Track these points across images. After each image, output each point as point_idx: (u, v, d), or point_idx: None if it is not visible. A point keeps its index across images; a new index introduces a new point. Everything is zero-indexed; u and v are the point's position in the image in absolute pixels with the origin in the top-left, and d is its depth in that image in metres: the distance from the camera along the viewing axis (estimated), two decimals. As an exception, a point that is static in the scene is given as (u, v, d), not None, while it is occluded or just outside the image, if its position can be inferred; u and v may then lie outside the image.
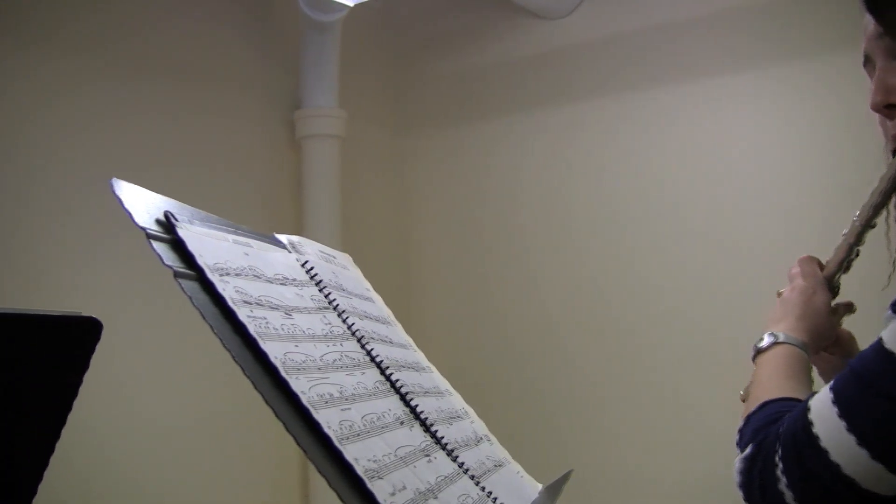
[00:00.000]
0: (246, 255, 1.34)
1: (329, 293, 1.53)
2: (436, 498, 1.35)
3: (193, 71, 4.72)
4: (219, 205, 1.43)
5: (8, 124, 4.02)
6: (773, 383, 1.59)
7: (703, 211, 4.71)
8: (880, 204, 1.69)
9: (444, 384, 1.87)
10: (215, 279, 1.20)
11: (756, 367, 1.70)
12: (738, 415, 1.59)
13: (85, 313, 1.26)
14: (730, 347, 4.04)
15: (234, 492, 4.67)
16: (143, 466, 4.29)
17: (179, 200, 1.30)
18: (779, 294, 1.88)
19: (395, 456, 1.32)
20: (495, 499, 1.55)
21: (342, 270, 1.74)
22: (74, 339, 1.26)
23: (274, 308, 1.29)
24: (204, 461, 4.54)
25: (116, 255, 4.17)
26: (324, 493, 4.80)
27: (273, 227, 1.60)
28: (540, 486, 1.85)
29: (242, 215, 1.39)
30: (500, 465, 1.75)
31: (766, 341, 1.71)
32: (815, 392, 1.39)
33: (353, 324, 1.52)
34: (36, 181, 4.09)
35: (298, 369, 1.23)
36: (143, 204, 1.22)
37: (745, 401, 1.67)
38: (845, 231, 1.78)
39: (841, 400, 1.30)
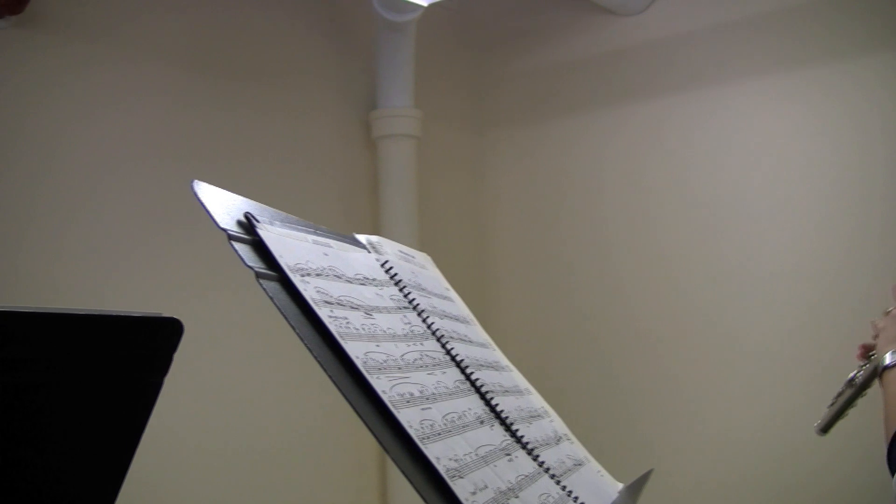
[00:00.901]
0: (326, 255, 1.35)
1: (409, 293, 1.53)
2: (517, 497, 1.34)
3: (271, 73, 4.77)
4: (296, 205, 1.44)
5: (97, 129, 4.09)
6: None
7: (794, 205, 4.64)
8: None
9: (524, 383, 1.86)
10: (296, 279, 1.20)
11: (885, 386, 1.70)
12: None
13: (166, 314, 1.27)
14: (826, 352, 4.02)
15: (313, 490, 4.70)
16: (223, 465, 4.33)
17: (257, 201, 1.30)
18: (887, 313, 1.87)
19: (476, 455, 1.31)
20: (576, 498, 1.53)
21: (421, 270, 1.74)
22: (156, 339, 1.27)
23: (354, 308, 1.29)
24: (283, 460, 4.58)
25: (197, 256, 4.22)
26: (402, 491, 4.82)
27: (350, 227, 1.61)
28: (620, 486, 1.84)
29: (319, 215, 1.40)
30: (580, 464, 1.74)
31: (890, 359, 1.71)
32: None
33: (432, 323, 1.52)
34: (118, 183, 4.15)
35: (379, 369, 1.23)
36: (223, 205, 1.22)
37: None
38: None
39: None
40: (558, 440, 1.74)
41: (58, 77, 4.07)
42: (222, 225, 1.18)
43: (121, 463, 1.32)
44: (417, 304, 1.52)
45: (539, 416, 1.74)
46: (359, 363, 1.18)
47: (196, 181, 1.20)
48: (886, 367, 1.71)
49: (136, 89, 4.27)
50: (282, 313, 1.15)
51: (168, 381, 1.29)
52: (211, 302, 4.31)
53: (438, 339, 1.51)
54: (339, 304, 1.25)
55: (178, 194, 4.05)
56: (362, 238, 1.58)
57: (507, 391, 1.66)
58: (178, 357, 1.28)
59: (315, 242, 1.35)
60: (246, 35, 4.70)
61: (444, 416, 1.30)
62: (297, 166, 4.83)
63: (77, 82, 4.11)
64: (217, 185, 1.24)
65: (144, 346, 1.27)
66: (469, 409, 1.42)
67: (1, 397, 1.18)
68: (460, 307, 1.84)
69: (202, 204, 1.18)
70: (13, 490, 1.25)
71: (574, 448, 1.81)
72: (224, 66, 4.58)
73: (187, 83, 4.45)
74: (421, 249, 1.92)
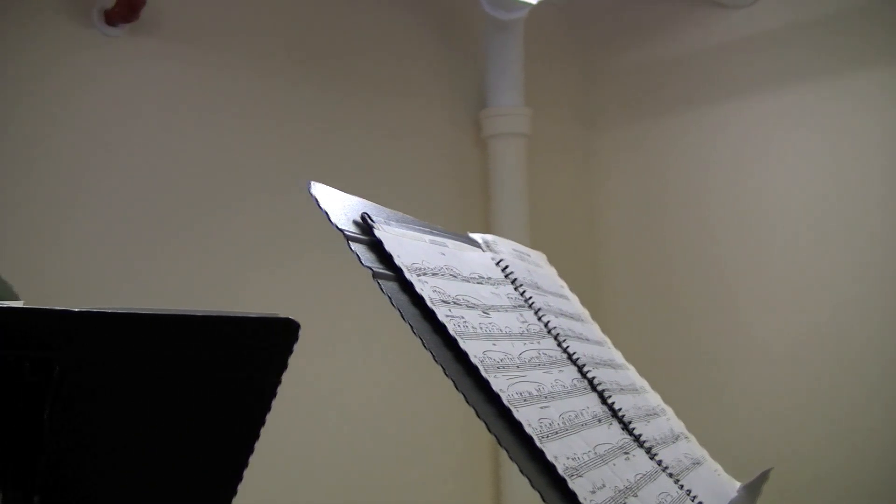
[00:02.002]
0: (442, 254, 1.35)
1: (524, 291, 1.52)
2: (635, 496, 1.33)
3: (380, 75, 4.81)
4: (407, 205, 1.44)
5: (210, 134, 4.17)
6: None
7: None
8: None
9: (640, 381, 1.84)
10: (413, 279, 1.20)
11: None
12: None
13: (282, 314, 1.28)
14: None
15: (427, 488, 4.72)
16: (337, 465, 4.38)
17: (368, 201, 1.31)
18: None
19: (595, 454, 1.30)
20: (694, 497, 1.52)
21: (536, 268, 1.73)
22: (273, 340, 1.29)
23: (471, 307, 1.30)
24: (397, 459, 4.61)
25: (312, 257, 4.28)
26: (515, 489, 4.82)
27: (461, 227, 1.61)
28: (738, 485, 1.81)
29: (430, 215, 1.41)
30: (697, 463, 1.72)
31: None
32: None
33: (548, 321, 1.51)
34: (233, 186, 4.23)
35: (497, 367, 1.23)
36: (340, 206, 1.23)
37: None
38: None
39: None
40: (675, 438, 1.72)
41: (171, 83, 4.16)
42: (339, 226, 1.19)
43: (238, 462, 1.34)
44: (533, 303, 1.52)
45: (656, 414, 1.73)
46: (477, 362, 1.18)
47: (312, 182, 1.21)
48: None
49: (248, 94, 4.35)
50: (400, 313, 1.15)
51: (284, 381, 1.31)
52: (326, 302, 4.36)
53: (555, 338, 1.50)
54: (455, 303, 1.26)
55: (293, 196, 4.12)
56: (477, 237, 1.58)
57: (623, 389, 1.65)
58: (295, 357, 1.29)
59: (431, 242, 1.36)
60: (354, 38, 4.75)
61: (561, 415, 1.30)
62: (408, 166, 4.86)
63: (191, 88, 4.20)
64: (330, 187, 1.25)
65: (261, 347, 1.29)
66: (586, 407, 1.41)
67: (125, 396, 1.21)
68: (575, 305, 1.83)
69: (319, 205, 1.19)
70: (135, 486, 1.28)
71: (691, 446, 1.79)
72: (334, 70, 4.63)
73: (297, 87, 4.51)
74: (532, 248, 1.92)
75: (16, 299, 2.00)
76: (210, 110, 4.24)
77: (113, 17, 4.00)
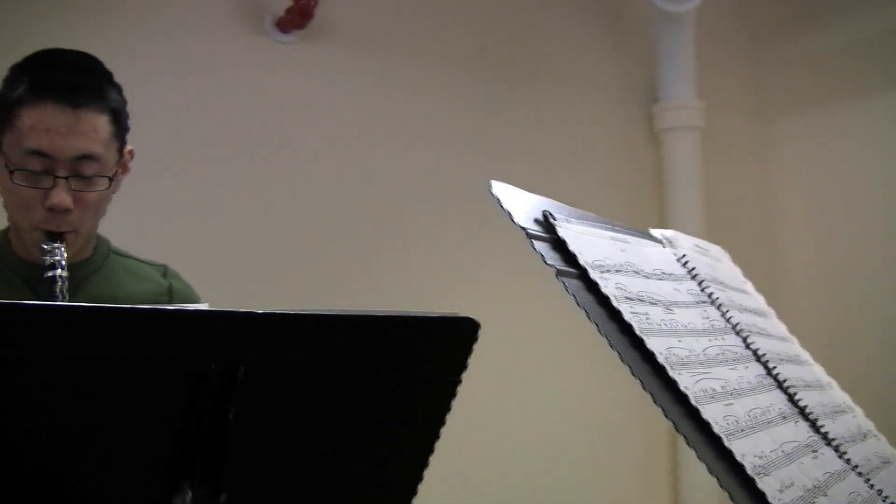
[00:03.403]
0: (623, 251, 1.35)
1: (706, 286, 1.50)
2: (824, 495, 1.30)
3: (550, 71, 4.81)
4: (581, 201, 1.44)
5: (388, 133, 4.24)
6: None
7: None
8: None
9: (825, 377, 1.80)
10: (596, 276, 1.20)
11: None
12: None
13: (462, 314, 1.30)
14: None
15: (604, 484, 4.70)
16: (518, 461, 4.40)
17: (548, 198, 1.31)
18: None
19: (782, 452, 1.28)
20: (886, 497, 1.47)
21: (717, 263, 1.71)
22: (453, 339, 1.31)
23: (654, 303, 1.29)
24: (576, 456, 4.61)
25: (491, 255, 4.31)
26: (693, 486, 4.76)
27: (635, 222, 1.60)
28: (931, 485, 1.75)
29: (604, 211, 1.40)
30: (888, 462, 1.67)
31: None
32: None
33: (731, 317, 1.49)
34: (412, 189, 4.29)
35: (682, 364, 1.22)
36: (521, 204, 1.23)
37: None
38: None
39: None
40: (864, 436, 1.67)
41: (344, 87, 4.25)
42: (521, 224, 1.19)
43: (419, 461, 1.36)
44: (716, 298, 1.50)
45: (843, 411, 1.69)
46: (662, 359, 1.18)
47: (493, 181, 1.22)
48: None
49: (419, 95, 4.41)
50: (583, 310, 1.15)
51: (464, 379, 1.32)
52: (506, 300, 4.38)
53: (738, 334, 1.48)
54: (638, 299, 1.25)
55: (468, 195, 4.16)
56: (657, 233, 1.57)
57: (808, 386, 1.61)
58: (475, 355, 1.31)
59: (612, 238, 1.35)
60: (524, 34, 4.76)
61: (747, 412, 1.28)
62: (580, 162, 4.85)
63: (363, 91, 4.28)
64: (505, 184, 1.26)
65: (442, 346, 1.31)
66: (772, 404, 1.39)
67: (307, 396, 1.24)
68: (757, 300, 1.80)
69: (500, 204, 1.20)
70: (316, 486, 1.31)
71: (881, 444, 1.73)
72: (504, 67, 4.65)
73: (468, 86, 4.55)
74: (709, 243, 1.89)
75: (197, 301, 2.07)
76: (383, 112, 4.32)
77: (285, 24, 4.11)
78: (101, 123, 1.83)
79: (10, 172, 1.80)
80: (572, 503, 4.57)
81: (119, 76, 1.94)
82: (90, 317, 1.10)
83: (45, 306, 1.33)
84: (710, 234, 4.79)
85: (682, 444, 4.80)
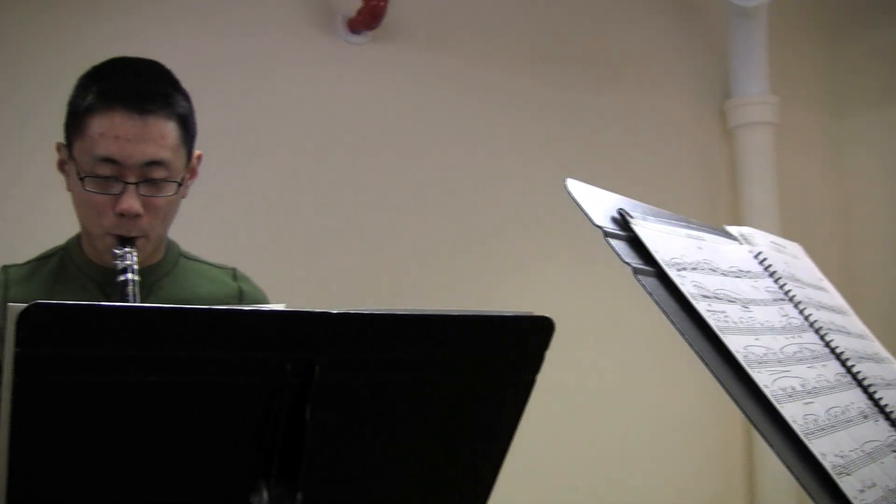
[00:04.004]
0: (700, 248, 1.34)
1: (784, 284, 1.49)
2: (907, 496, 1.28)
3: (622, 68, 4.80)
4: (652, 197, 1.43)
5: (462, 132, 4.25)
6: None
7: None
8: None
9: (906, 376, 1.77)
10: (673, 274, 1.19)
11: None
12: None
13: (537, 313, 1.29)
14: None
15: (680, 480, 4.68)
16: (592, 460, 4.39)
17: (623, 196, 1.30)
18: None
19: (862, 451, 1.26)
20: (969, 499, 1.45)
21: (794, 260, 1.69)
22: (528, 338, 1.30)
23: (731, 301, 1.28)
24: (650, 454, 4.59)
25: (565, 254, 4.30)
26: (769, 483, 4.72)
27: (709, 219, 1.58)
28: None
29: (678, 208, 1.39)
30: (972, 463, 1.64)
31: None
32: None
33: (809, 314, 1.48)
34: (484, 188, 4.29)
35: (760, 363, 1.21)
36: (597, 203, 1.23)
37: None
38: None
39: None
40: (947, 437, 1.64)
41: (416, 87, 4.26)
42: (598, 222, 1.19)
43: (494, 460, 1.35)
44: (793, 296, 1.48)
45: (925, 410, 1.66)
46: (740, 357, 1.17)
47: (569, 179, 1.21)
48: None
49: (490, 93, 4.41)
50: (661, 308, 1.14)
51: (539, 378, 1.32)
52: (581, 299, 4.37)
53: (817, 331, 1.46)
54: (716, 297, 1.24)
55: (541, 193, 4.16)
56: (733, 230, 1.56)
57: (889, 384, 1.59)
58: (549, 354, 1.30)
59: (688, 236, 1.34)
60: (596, 32, 4.74)
61: (826, 411, 1.27)
62: (654, 160, 4.82)
63: (434, 91, 4.29)
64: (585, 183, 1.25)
65: (518, 345, 1.30)
66: (852, 402, 1.37)
67: (382, 396, 1.25)
68: (835, 297, 1.78)
69: (576, 202, 1.19)
70: (392, 485, 1.32)
71: (964, 445, 1.70)
72: (577, 65, 4.64)
73: (540, 84, 4.55)
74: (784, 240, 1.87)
75: (267, 303, 2.09)
76: (454, 111, 4.32)
77: (356, 25, 4.13)
78: (169, 129, 1.86)
79: (82, 179, 1.83)
80: (647, 503, 4.55)
81: (190, 80, 1.97)
82: (167, 318, 1.11)
83: (124, 307, 1.35)
84: (785, 230, 4.73)
85: (759, 444, 4.77)
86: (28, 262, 2.03)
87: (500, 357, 1.30)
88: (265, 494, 1.19)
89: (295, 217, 3.96)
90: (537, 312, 1.29)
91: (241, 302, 2.10)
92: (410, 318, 1.22)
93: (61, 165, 1.95)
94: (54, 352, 1.05)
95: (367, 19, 4.06)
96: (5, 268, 2.00)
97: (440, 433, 1.31)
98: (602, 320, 4.45)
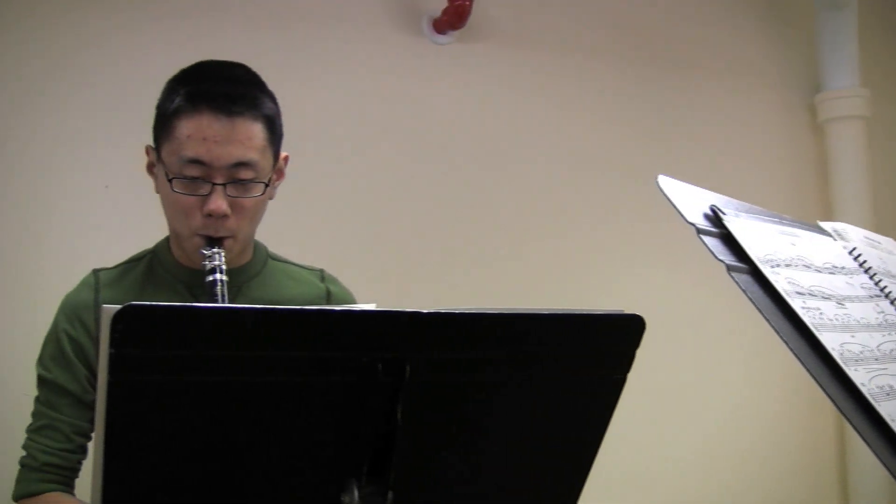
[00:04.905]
0: (793, 245, 1.32)
1: (879, 280, 1.46)
2: None
3: (710, 62, 4.75)
4: (743, 195, 1.41)
5: (548, 131, 4.24)
6: None
7: None
8: None
9: None
10: (767, 271, 1.18)
11: None
12: None
13: (627, 311, 1.29)
14: None
15: (771, 480, 4.62)
16: (684, 459, 4.35)
17: (715, 193, 1.29)
18: None
19: (961, 451, 1.24)
20: None
21: (889, 256, 1.66)
22: (619, 336, 1.30)
23: (826, 298, 1.26)
24: (743, 452, 4.54)
25: (654, 251, 4.27)
26: (863, 488, 4.64)
27: (799, 215, 1.56)
28: None
29: (768, 204, 1.37)
30: None
31: None
32: None
33: (907, 312, 1.45)
34: (575, 186, 4.28)
35: (856, 360, 1.19)
36: (689, 199, 1.22)
37: None
38: None
39: None
40: None
41: (502, 86, 4.26)
42: (690, 219, 1.18)
43: (585, 460, 1.35)
44: (889, 292, 1.46)
45: None
46: (836, 355, 1.15)
47: (661, 176, 1.21)
48: None
49: (578, 92, 4.39)
50: (755, 305, 1.13)
51: (629, 377, 1.31)
52: (672, 296, 4.33)
53: (914, 329, 1.44)
54: (810, 294, 1.23)
55: (633, 190, 4.13)
56: (827, 226, 1.54)
57: None
58: (640, 352, 1.30)
59: (781, 233, 1.33)
60: (683, 26, 4.70)
61: (924, 410, 1.24)
62: (743, 156, 4.76)
63: (521, 90, 4.29)
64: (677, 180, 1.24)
65: (608, 344, 1.30)
66: (948, 402, 1.35)
67: (472, 395, 1.25)
68: (933, 294, 1.74)
69: (669, 199, 1.19)
70: (483, 483, 1.32)
71: None
72: (664, 60, 4.60)
73: (627, 79, 4.51)
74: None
75: (354, 303, 2.10)
76: (542, 110, 4.31)
77: (441, 25, 4.14)
78: (256, 131, 1.88)
79: (170, 181, 1.86)
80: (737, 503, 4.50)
81: (277, 81, 1.99)
82: (259, 319, 1.12)
83: (217, 308, 1.37)
84: (878, 225, 4.64)
85: (851, 445, 4.68)
86: (118, 266, 2.06)
87: (590, 355, 1.30)
88: (356, 493, 1.20)
89: (380, 218, 3.97)
90: (628, 311, 1.28)
91: (328, 303, 2.11)
92: (501, 317, 1.22)
93: (150, 168, 1.98)
94: (147, 353, 1.07)
95: (453, 19, 4.07)
96: (96, 271, 2.03)
97: (529, 432, 1.31)
98: (692, 318, 4.40)
